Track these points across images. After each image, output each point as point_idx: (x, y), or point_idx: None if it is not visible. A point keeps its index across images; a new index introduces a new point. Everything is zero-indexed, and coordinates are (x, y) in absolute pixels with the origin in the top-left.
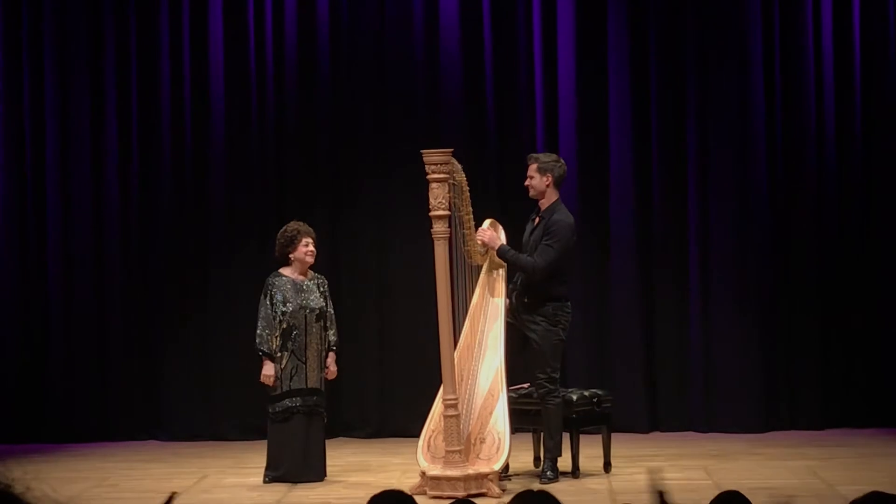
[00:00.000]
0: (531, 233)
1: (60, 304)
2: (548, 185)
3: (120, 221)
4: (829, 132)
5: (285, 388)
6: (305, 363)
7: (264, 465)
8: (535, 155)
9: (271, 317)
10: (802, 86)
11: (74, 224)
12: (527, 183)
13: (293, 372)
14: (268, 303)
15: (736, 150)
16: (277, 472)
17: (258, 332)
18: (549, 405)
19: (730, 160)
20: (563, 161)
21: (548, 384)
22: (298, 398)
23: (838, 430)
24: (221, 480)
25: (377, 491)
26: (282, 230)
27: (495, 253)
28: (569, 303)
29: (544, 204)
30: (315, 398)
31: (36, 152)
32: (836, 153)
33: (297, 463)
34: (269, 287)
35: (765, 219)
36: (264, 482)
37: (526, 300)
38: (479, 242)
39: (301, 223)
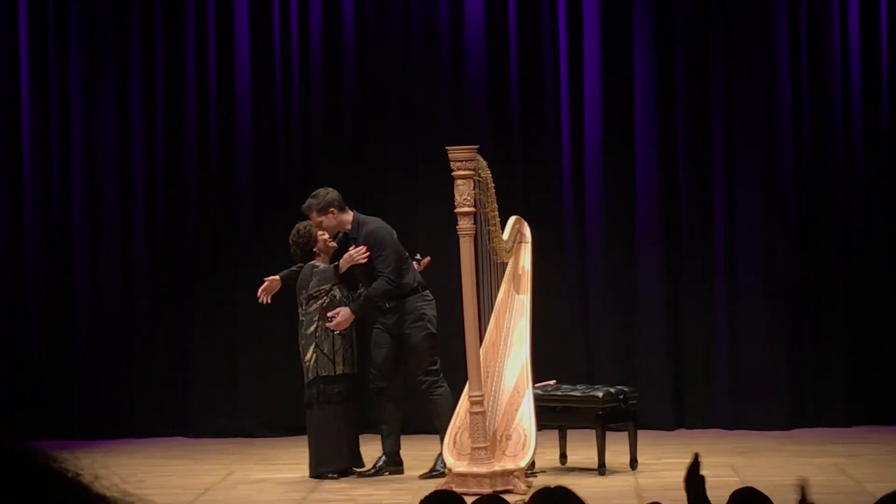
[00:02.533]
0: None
1: (87, 301)
2: (335, 216)
3: (147, 218)
4: (855, 124)
5: (339, 372)
6: (353, 347)
7: (309, 458)
8: (304, 206)
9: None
10: (829, 75)
11: (101, 222)
12: (321, 230)
13: (345, 357)
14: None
15: (762, 142)
16: (341, 464)
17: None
18: (434, 396)
19: (756, 154)
20: (328, 188)
21: (427, 377)
22: (349, 382)
23: (865, 428)
24: (248, 476)
25: (402, 487)
26: (293, 233)
27: (352, 315)
28: (426, 291)
29: (348, 228)
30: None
31: (62, 151)
32: (863, 146)
33: (349, 450)
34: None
35: (791, 214)
36: (330, 477)
37: (387, 305)
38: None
39: (304, 221)
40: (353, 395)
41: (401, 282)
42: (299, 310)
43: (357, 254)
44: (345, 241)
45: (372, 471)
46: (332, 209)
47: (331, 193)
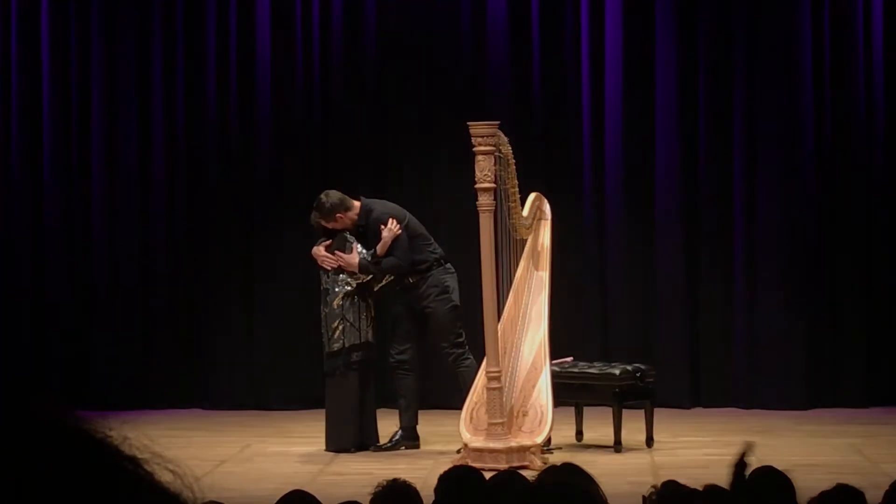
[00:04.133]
0: (366, 241)
1: (105, 272)
2: (343, 217)
3: (166, 190)
4: (878, 107)
5: (363, 339)
6: (374, 317)
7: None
8: (312, 220)
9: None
10: (851, 61)
11: (120, 193)
12: (340, 227)
13: (369, 324)
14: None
15: (784, 123)
16: (357, 439)
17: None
18: (462, 368)
19: (777, 134)
20: (326, 192)
21: (454, 349)
22: (370, 351)
23: (882, 408)
24: (265, 449)
25: (418, 462)
26: (313, 218)
27: (356, 267)
28: (448, 264)
29: (358, 218)
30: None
31: (82, 121)
32: (886, 129)
33: (367, 424)
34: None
35: (812, 193)
36: (346, 451)
37: (410, 280)
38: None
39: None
40: (372, 366)
41: (413, 258)
42: (324, 277)
43: (390, 235)
44: (354, 230)
45: (388, 445)
46: (337, 213)
47: (331, 198)
